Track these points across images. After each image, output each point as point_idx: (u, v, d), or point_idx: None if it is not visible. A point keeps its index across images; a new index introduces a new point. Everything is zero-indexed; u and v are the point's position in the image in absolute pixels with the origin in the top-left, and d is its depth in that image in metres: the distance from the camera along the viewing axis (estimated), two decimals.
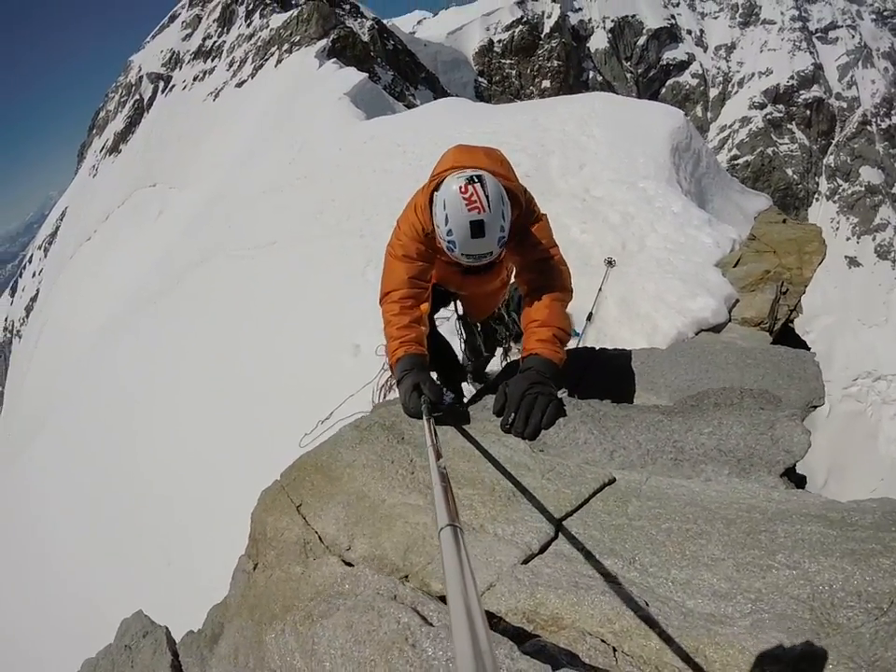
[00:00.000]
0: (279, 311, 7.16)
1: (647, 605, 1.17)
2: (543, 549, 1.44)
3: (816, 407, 2.06)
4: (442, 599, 1.36)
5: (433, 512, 1.63)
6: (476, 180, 1.74)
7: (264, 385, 5.93)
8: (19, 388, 27.73)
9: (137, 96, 47.34)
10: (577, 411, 1.95)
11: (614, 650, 1.11)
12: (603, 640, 1.13)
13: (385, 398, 3.87)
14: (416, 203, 2.06)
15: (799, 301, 3.66)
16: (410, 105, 22.12)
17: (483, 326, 3.14)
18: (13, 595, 6.94)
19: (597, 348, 2.97)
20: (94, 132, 54.32)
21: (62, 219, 45.95)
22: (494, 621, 1.29)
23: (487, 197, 1.72)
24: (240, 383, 6.28)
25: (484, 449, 1.79)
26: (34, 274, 46.04)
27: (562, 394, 2.19)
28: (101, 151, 47.30)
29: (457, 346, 3.31)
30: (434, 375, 3.07)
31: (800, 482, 1.68)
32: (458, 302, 2.96)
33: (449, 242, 1.81)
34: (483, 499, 1.63)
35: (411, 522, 1.63)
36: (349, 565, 1.60)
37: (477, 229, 1.74)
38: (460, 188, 1.73)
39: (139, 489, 6.31)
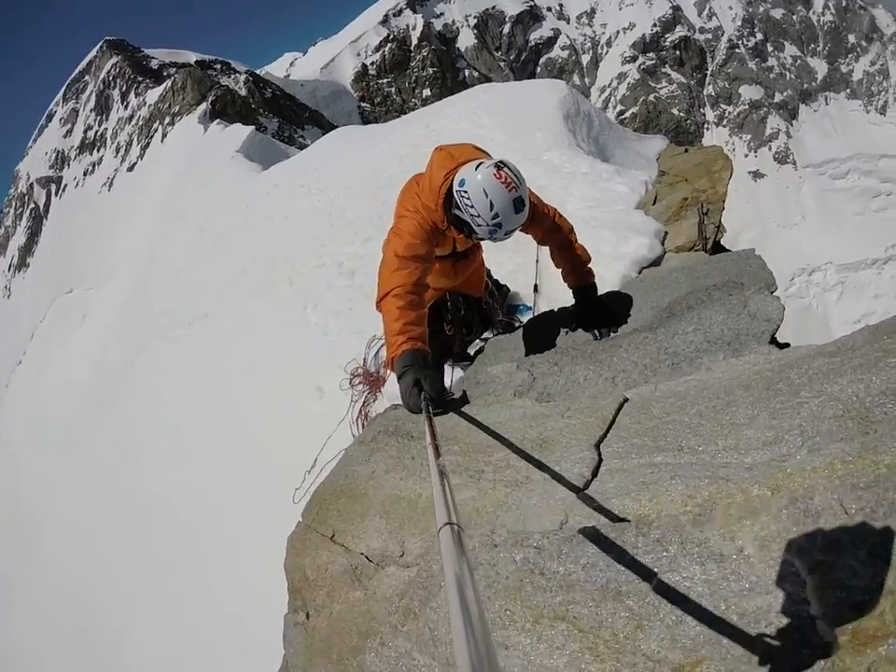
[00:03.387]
0: (232, 378, 6.91)
1: (713, 474, 1.23)
2: (595, 472, 1.46)
3: (773, 292, 2.14)
4: None
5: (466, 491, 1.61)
6: (502, 165, 1.94)
7: (239, 456, 5.70)
8: None
9: (32, 205, 46.35)
10: (566, 357, 2.01)
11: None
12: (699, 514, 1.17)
13: (363, 427, 3.78)
14: (421, 206, 2.17)
15: (720, 217, 3.80)
16: (302, 147, 22.02)
17: (477, 303, 3.34)
18: None
19: (556, 309, 3.03)
20: None
21: None
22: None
23: (516, 176, 1.95)
24: (215, 459, 6.02)
25: (486, 426, 1.81)
26: None
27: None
28: (9, 270, 45.51)
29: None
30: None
31: (785, 346, 1.78)
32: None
33: (493, 226, 1.98)
34: (516, 456, 1.64)
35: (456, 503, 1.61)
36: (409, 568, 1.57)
37: (520, 204, 1.96)
38: (494, 174, 1.91)
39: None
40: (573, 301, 2.64)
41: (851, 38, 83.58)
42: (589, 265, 2.54)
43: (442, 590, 1.37)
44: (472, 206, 1.94)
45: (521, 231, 2.37)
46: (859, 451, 1.07)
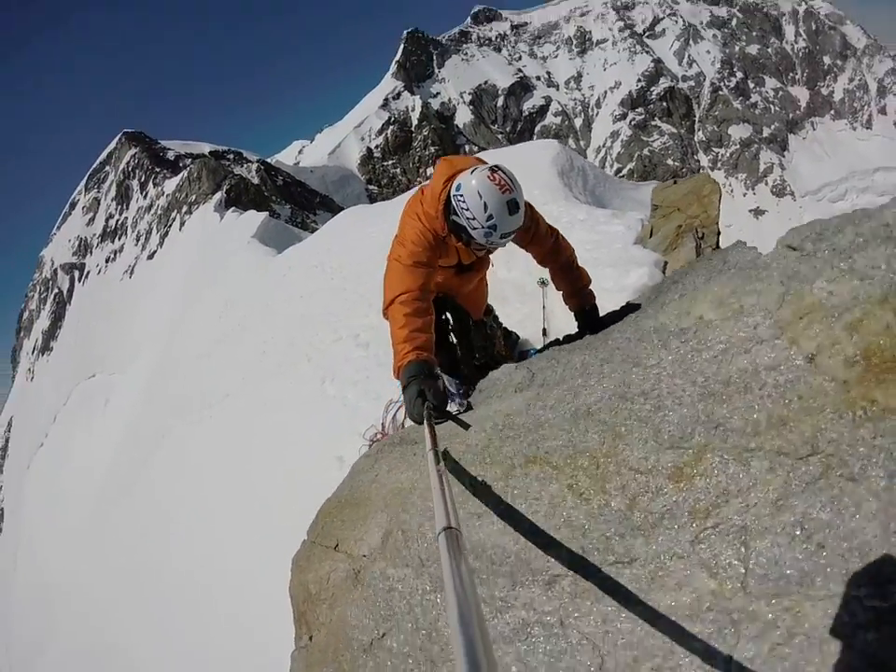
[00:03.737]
0: (252, 459, 6.89)
1: None
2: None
3: None
4: None
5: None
6: (497, 168, 1.97)
7: (259, 534, 5.61)
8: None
9: (56, 290, 47.80)
10: (562, 351, 2.02)
11: None
12: None
13: None
14: (423, 213, 2.21)
15: (717, 239, 3.86)
16: (314, 231, 22.88)
17: (480, 330, 3.38)
18: None
19: (561, 338, 3.04)
20: (22, 333, 53.85)
21: (9, 430, 43.79)
22: None
23: (510, 179, 1.98)
24: (235, 537, 5.93)
25: (469, 423, 1.82)
26: None
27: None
28: (32, 353, 46.68)
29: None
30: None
31: None
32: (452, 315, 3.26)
33: (488, 228, 1.99)
34: (517, 431, 1.61)
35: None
36: None
37: (514, 206, 1.96)
38: (488, 176, 1.95)
39: None
40: (576, 325, 2.63)
41: (826, 60, 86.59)
42: (590, 287, 2.56)
43: (420, 492, 1.36)
44: (468, 209, 1.97)
45: (522, 247, 2.45)
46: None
